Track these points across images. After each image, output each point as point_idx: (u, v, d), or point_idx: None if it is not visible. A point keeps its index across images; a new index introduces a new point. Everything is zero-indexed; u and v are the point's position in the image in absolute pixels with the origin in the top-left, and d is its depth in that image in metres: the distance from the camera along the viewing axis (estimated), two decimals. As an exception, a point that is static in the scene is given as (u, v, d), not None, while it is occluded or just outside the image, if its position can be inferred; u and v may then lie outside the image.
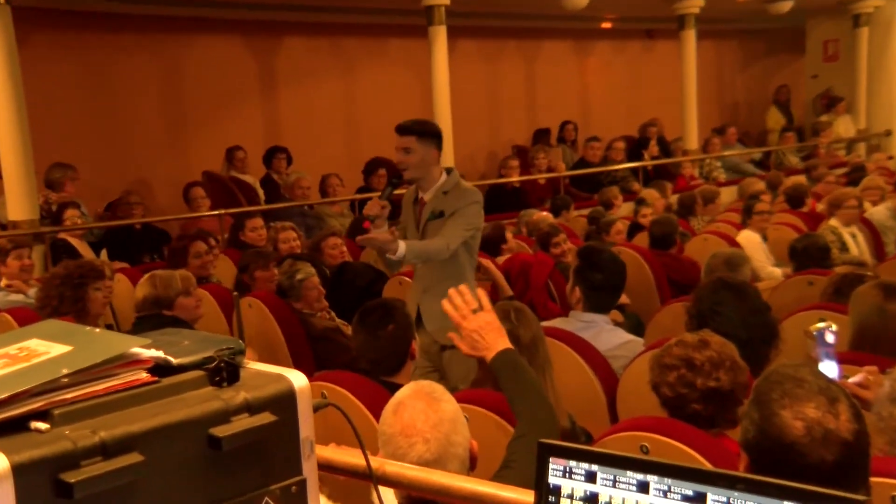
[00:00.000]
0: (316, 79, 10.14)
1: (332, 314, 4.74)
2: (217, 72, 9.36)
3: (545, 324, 3.42)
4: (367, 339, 3.07)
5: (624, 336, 3.57)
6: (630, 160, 10.27)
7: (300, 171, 8.65)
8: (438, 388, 1.93)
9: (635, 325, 4.54)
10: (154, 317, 3.90)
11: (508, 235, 5.88)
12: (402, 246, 3.47)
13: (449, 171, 3.89)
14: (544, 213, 7.20)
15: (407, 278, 4.70)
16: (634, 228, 6.84)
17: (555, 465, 1.16)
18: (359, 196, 8.67)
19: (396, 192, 3.81)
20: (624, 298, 4.48)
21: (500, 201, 9.19)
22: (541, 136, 11.32)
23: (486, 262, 4.88)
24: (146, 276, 4.10)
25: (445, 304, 2.48)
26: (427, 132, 3.79)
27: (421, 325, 3.69)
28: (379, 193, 3.79)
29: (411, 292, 3.87)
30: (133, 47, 8.85)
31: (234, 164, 8.76)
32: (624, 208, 8.26)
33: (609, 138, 10.54)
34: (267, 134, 9.70)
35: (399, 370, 3.04)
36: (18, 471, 0.94)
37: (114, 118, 8.73)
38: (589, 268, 3.61)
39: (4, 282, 5.19)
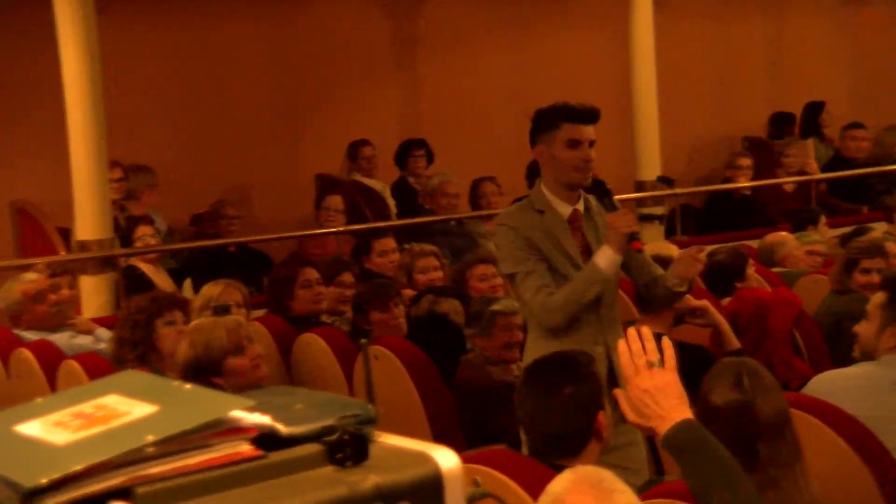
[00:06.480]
0: (471, 48, 10.28)
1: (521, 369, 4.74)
2: (339, 41, 9.63)
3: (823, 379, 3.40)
4: (535, 405, 3.09)
5: None
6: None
7: (445, 174, 8.79)
8: (608, 476, 1.98)
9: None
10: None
11: (751, 268, 5.78)
12: None
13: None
14: (782, 234, 7.03)
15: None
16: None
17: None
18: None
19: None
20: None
21: (727, 216, 9.02)
22: (781, 123, 11.03)
23: (704, 302, 4.82)
24: (189, 327, 4.14)
25: (622, 346, 2.49)
26: None
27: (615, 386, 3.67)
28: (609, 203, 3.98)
29: (590, 340, 3.85)
30: (232, 13, 9.26)
31: (359, 163, 8.99)
32: None
33: (885, 125, 10.19)
34: (402, 123, 9.90)
35: (578, 452, 3.03)
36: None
37: (204, 104, 9.14)
38: None
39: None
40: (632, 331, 2.50)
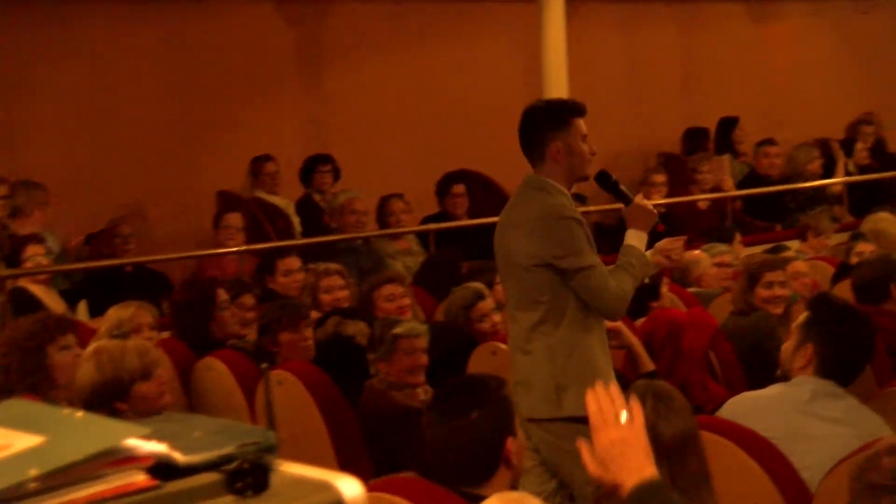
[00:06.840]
0: (378, 59, 10.28)
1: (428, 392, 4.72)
2: (240, 52, 9.57)
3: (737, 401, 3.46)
4: (441, 432, 3.09)
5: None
6: (825, 173, 10.15)
7: (351, 190, 8.77)
8: (533, 503, 1.95)
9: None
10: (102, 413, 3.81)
11: (665, 287, 5.87)
12: None
13: None
14: (697, 253, 7.16)
15: (502, 345, 4.71)
16: (843, 273, 6.72)
17: None
18: (432, 226, 8.70)
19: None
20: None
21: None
22: (695, 139, 11.21)
23: (618, 324, 4.87)
24: (89, 350, 4.08)
25: (590, 397, 2.50)
26: None
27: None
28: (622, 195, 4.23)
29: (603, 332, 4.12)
30: (128, 19, 9.13)
31: (262, 179, 8.96)
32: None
33: (796, 141, 10.43)
34: (307, 137, 9.86)
35: (486, 480, 3.04)
36: None
37: (99, 116, 8.99)
38: (836, 321, 3.76)
39: None
40: (600, 385, 2.51)
